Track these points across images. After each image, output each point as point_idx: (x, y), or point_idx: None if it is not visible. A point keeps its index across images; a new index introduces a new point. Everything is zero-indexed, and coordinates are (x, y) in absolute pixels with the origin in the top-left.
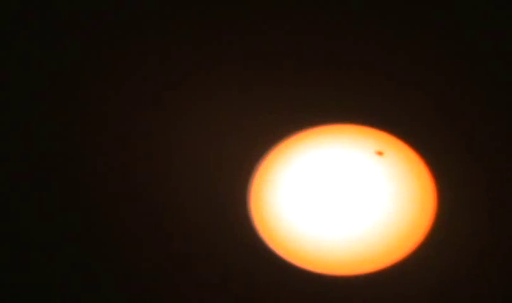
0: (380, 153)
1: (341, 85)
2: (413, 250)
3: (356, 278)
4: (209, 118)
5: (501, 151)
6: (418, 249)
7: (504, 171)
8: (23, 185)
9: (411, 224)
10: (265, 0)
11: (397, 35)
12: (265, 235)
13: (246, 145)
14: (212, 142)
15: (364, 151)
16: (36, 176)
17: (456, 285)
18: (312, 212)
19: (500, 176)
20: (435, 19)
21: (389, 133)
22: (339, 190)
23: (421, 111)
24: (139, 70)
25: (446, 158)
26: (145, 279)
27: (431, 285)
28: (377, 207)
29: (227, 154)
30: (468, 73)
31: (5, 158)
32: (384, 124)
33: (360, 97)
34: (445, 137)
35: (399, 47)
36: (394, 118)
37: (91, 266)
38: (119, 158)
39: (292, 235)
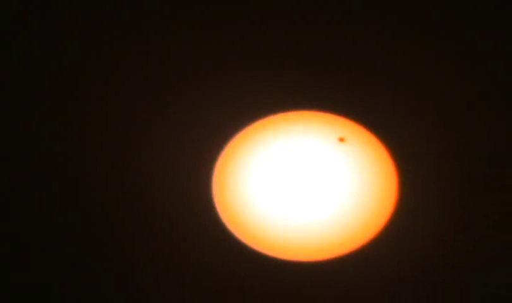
0: (341, 140)
1: (304, 73)
2: (374, 236)
3: (318, 264)
4: (177, 111)
5: (463, 136)
6: (380, 235)
7: (465, 156)
8: (23, 185)
9: (373, 210)
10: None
11: (364, 21)
12: (228, 221)
13: (210, 132)
14: (179, 133)
15: (326, 137)
16: (36, 176)
17: (418, 270)
18: (275, 198)
19: (461, 162)
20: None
21: (350, 120)
22: (301, 177)
23: (382, 97)
24: (139, 70)
25: (407, 143)
26: (136, 276)
27: (393, 270)
28: (339, 194)
29: (191, 142)
30: (432, 58)
31: (5, 158)
32: (345, 110)
33: (322, 84)
34: (406, 123)
35: (363, 34)
36: (355, 105)
37: (91, 266)
38: (119, 158)
39: (254, 221)
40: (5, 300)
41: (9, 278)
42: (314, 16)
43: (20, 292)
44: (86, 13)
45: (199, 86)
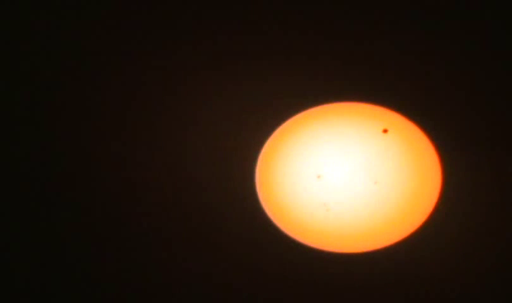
0: (385, 131)
1: (347, 64)
2: (418, 228)
3: (361, 255)
4: (221, 104)
5: (508, 127)
6: (424, 227)
7: (510, 147)
8: (23, 185)
9: (417, 201)
10: None
11: (402, 13)
12: (271, 213)
13: (253, 124)
14: (223, 126)
15: (370, 129)
16: (36, 176)
17: (462, 261)
18: (318, 190)
19: (506, 152)
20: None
21: (394, 111)
22: (345, 169)
23: (426, 88)
24: (184, 64)
25: (451, 134)
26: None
27: (436, 262)
28: (383, 185)
29: (234, 134)
30: (475, 53)
31: (5, 158)
32: (389, 101)
33: (366, 76)
34: (450, 114)
35: (404, 25)
36: (399, 96)
37: (92, 264)
38: (162, 152)
39: (298, 213)
40: (5, 300)
41: (9, 277)
42: (357, 9)
43: (20, 292)
44: (86, 13)
45: (244, 79)
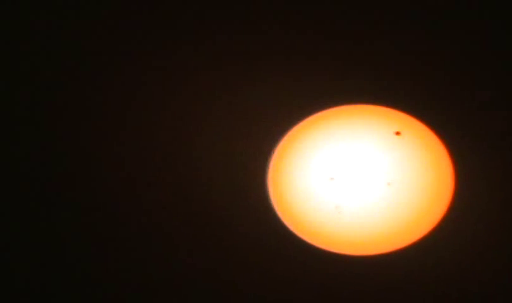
0: (398, 133)
1: (361, 67)
2: (431, 230)
3: (373, 258)
4: (223, 105)
5: None
6: (436, 229)
7: None
8: (23, 185)
9: (430, 204)
10: None
11: (413, 13)
12: (283, 215)
13: (266, 126)
14: (234, 127)
15: (382, 131)
16: (36, 176)
17: (473, 265)
18: (330, 192)
19: None
20: None
21: (407, 113)
22: (357, 171)
23: (438, 91)
24: (139, 70)
25: (464, 137)
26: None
27: (447, 265)
28: (396, 188)
29: (246, 136)
30: (487, 54)
31: (5, 158)
32: (402, 104)
33: (379, 78)
34: (462, 116)
35: (415, 26)
36: (412, 99)
37: (92, 265)
38: (175, 153)
39: (310, 215)
40: (5, 300)
41: (9, 277)
42: (371, 13)
43: (20, 292)
44: (86, 13)
45: (245, 80)
